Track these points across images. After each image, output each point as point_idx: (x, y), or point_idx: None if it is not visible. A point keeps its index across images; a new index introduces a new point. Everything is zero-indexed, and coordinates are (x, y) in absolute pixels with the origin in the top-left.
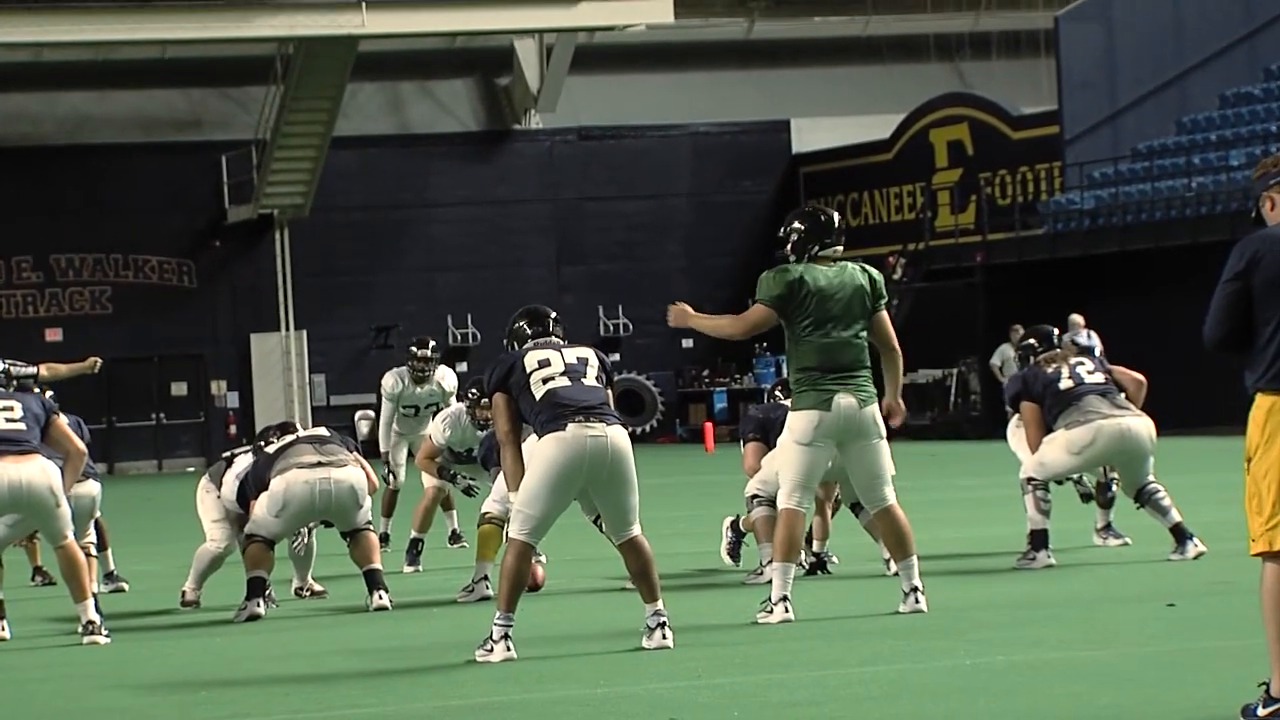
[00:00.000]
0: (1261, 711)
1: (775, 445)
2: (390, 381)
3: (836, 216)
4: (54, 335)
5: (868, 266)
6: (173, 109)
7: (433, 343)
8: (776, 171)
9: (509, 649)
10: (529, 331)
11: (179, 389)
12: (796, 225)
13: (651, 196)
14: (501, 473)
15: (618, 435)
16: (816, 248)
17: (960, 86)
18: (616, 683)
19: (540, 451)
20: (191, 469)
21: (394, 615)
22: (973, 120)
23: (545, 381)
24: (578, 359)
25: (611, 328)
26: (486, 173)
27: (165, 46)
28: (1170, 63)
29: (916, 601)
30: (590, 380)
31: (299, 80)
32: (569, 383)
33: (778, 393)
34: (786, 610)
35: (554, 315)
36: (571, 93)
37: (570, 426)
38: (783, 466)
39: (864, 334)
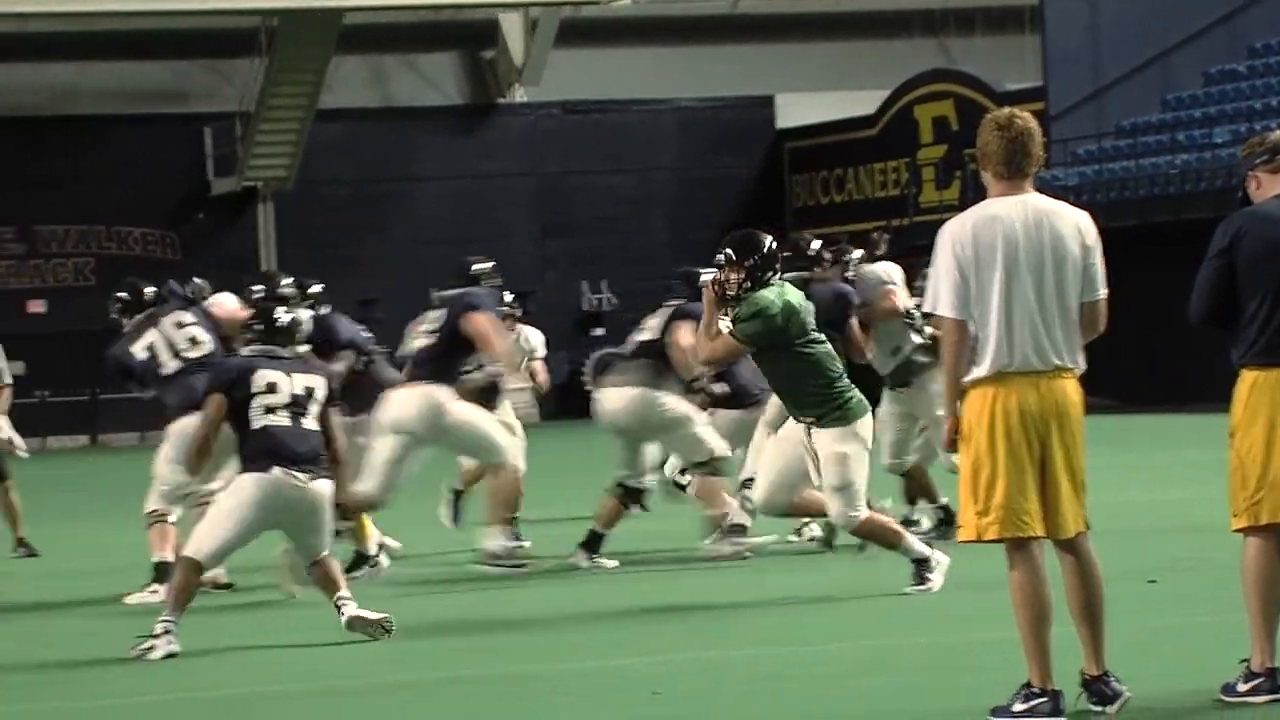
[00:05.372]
0: (1242, 687)
1: None
2: None
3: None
4: (37, 306)
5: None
6: (157, 81)
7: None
8: (760, 147)
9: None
10: (261, 341)
11: None
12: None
13: (635, 171)
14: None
15: (319, 489)
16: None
17: (945, 63)
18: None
19: (240, 485)
20: None
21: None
22: (957, 96)
23: (267, 412)
24: (305, 389)
25: (595, 302)
26: (471, 147)
27: (150, 18)
28: (1154, 40)
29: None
30: (309, 422)
31: (283, 53)
32: (288, 423)
33: None
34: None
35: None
36: (556, 67)
37: (275, 470)
38: (856, 472)
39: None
